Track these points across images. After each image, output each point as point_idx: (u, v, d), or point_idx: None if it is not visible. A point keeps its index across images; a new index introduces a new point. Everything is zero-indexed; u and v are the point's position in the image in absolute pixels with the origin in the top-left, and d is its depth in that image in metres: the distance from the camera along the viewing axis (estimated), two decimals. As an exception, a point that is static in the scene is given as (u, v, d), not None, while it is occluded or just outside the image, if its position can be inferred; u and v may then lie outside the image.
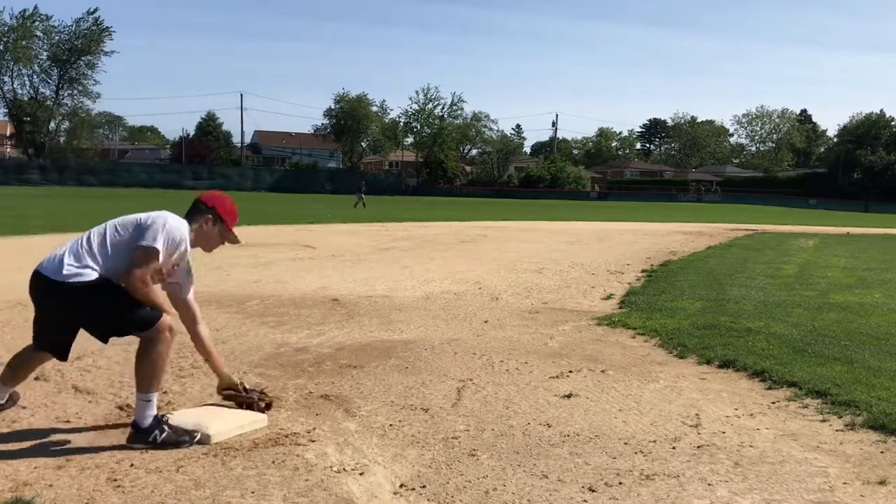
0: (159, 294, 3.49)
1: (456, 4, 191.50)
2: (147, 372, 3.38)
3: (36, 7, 64.58)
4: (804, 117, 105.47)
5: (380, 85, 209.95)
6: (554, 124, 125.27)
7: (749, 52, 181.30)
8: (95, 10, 64.25)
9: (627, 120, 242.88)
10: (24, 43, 62.36)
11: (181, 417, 3.64)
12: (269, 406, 3.86)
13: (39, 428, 3.59)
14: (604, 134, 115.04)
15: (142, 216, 3.47)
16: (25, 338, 5.45)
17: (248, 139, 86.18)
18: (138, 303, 3.33)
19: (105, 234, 3.42)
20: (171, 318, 3.47)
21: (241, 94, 76.32)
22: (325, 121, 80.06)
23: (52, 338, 3.51)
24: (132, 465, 3.15)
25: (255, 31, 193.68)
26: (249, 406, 3.79)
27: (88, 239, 3.42)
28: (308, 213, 26.40)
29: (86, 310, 3.36)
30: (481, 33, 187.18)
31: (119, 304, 3.33)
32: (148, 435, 3.34)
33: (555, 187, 71.69)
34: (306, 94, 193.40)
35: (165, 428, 3.38)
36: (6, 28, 61.96)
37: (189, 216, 3.64)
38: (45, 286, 3.34)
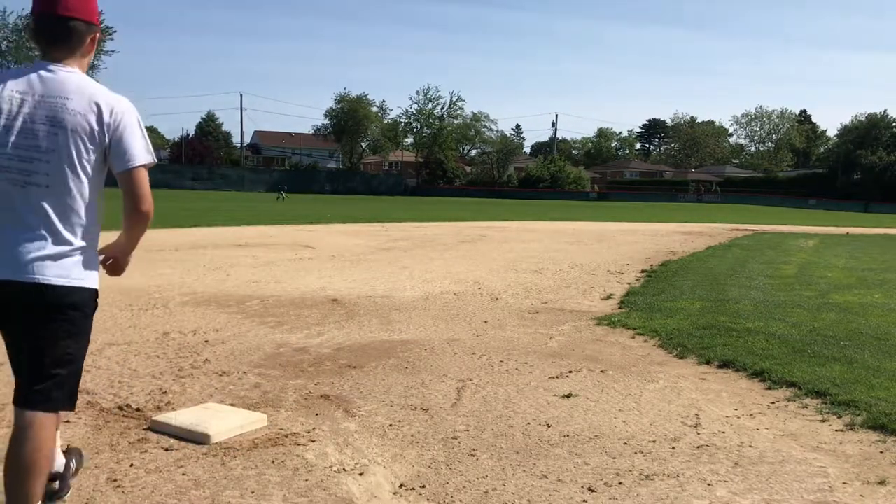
0: None
1: (456, 4, 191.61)
2: None
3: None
4: (804, 117, 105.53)
5: (380, 85, 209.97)
6: (554, 124, 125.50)
7: (749, 52, 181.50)
8: (100, 12, 64.34)
9: (627, 120, 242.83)
10: (27, 44, 62.37)
11: (181, 417, 3.65)
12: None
13: (39, 428, 3.58)
14: (603, 134, 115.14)
15: None
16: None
17: (247, 139, 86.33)
18: None
19: None
20: None
21: (241, 94, 76.44)
22: (326, 121, 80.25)
23: None
24: (132, 465, 3.15)
25: (255, 31, 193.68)
26: None
27: None
28: (308, 213, 26.40)
29: None
30: (481, 33, 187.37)
31: None
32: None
33: (554, 187, 71.74)
34: (306, 94, 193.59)
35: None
36: (10, 29, 62.06)
37: None
38: None
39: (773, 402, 4.35)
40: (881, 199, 63.13)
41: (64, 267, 2.33)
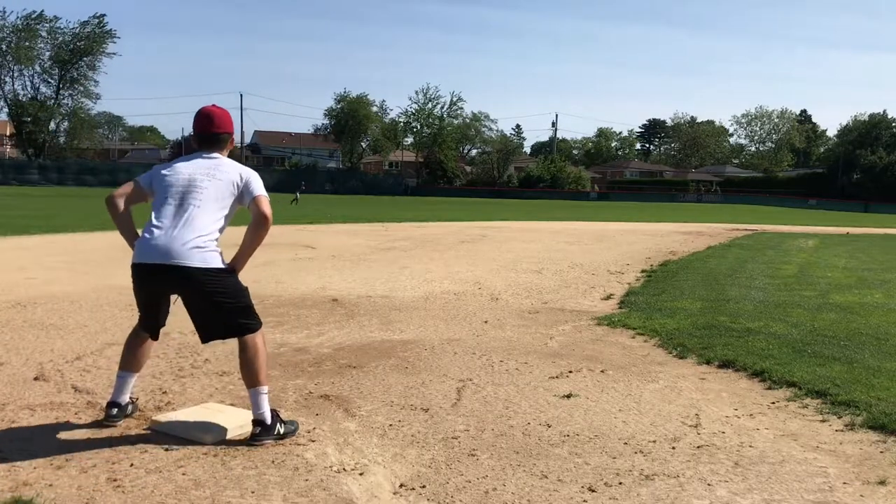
0: None
1: (456, 4, 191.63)
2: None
3: (42, 11, 64.77)
4: (804, 117, 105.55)
5: (380, 85, 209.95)
6: (554, 124, 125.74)
7: (749, 52, 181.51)
8: (103, 15, 64.52)
9: (627, 120, 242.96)
10: (26, 44, 62.43)
11: (181, 417, 3.65)
12: None
13: (39, 428, 3.58)
14: (603, 134, 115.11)
15: None
16: (26, 338, 5.47)
17: (247, 139, 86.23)
18: None
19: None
20: None
21: (241, 94, 76.41)
22: (326, 121, 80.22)
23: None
24: (132, 465, 3.15)
25: (255, 30, 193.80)
26: None
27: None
28: (308, 213, 26.40)
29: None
30: (482, 33, 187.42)
31: None
32: (272, 430, 3.49)
33: (554, 187, 71.73)
34: (306, 94, 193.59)
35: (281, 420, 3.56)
36: (10, 30, 62.06)
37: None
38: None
39: (773, 402, 4.35)
40: (881, 199, 63.12)
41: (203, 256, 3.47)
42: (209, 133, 3.65)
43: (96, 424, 3.64)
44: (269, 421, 3.47)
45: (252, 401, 3.52)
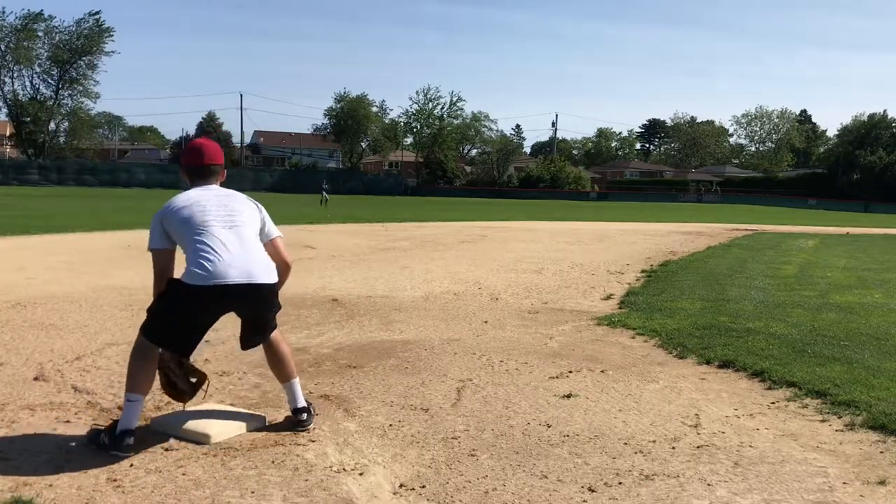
0: None
1: (456, 5, 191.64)
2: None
3: (42, 11, 64.75)
4: (804, 117, 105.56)
5: (380, 85, 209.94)
6: (554, 124, 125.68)
7: (749, 52, 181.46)
8: (98, 12, 64.52)
9: (627, 120, 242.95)
10: (25, 44, 62.40)
11: (181, 417, 3.64)
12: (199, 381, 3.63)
13: (39, 428, 3.58)
14: (603, 134, 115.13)
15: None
16: (26, 338, 5.47)
17: (247, 139, 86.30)
18: None
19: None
20: None
21: (241, 94, 76.34)
22: (325, 121, 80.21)
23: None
24: (132, 465, 3.15)
25: (255, 31, 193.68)
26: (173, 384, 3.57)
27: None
28: (307, 213, 26.40)
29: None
30: (481, 33, 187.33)
31: None
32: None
33: (555, 187, 71.70)
34: (306, 94, 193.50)
35: None
36: (9, 29, 62.04)
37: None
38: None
39: (773, 402, 4.35)
40: (881, 199, 63.12)
41: None
42: (214, 164, 3.67)
43: (96, 425, 3.63)
44: (307, 405, 3.73)
45: (294, 392, 3.70)
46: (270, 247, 3.69)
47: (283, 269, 3.74)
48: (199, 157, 3.67)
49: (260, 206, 3.73)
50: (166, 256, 3.47)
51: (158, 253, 3.47)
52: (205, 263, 3.34)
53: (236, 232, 3.48)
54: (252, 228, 3.58)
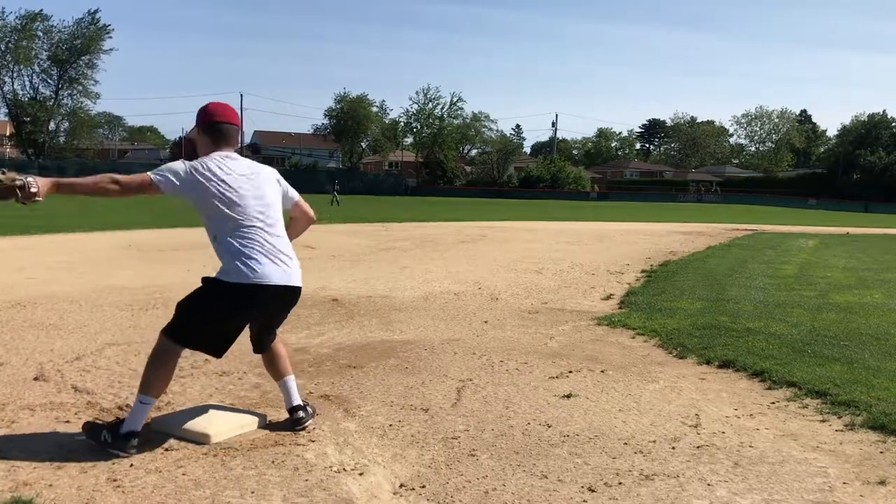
0: None
1: (456, 4, 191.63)
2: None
3: (41, 10, 64.69)
4: (804, 117, 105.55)
5: (380, 85, 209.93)
6: (554, 124, 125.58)
7: (749, 52, 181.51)
8: (97, 10, 64.57)
9: (627, 120, 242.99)
10: (24, 44, 62.38)
11: (181, 417, 3.64)
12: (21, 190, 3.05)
13: (39, 428, 3.58)
14: (603, 134, 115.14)
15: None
16: (26, 338, 5.47)
17: (247, 139, 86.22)
18: None
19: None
20: None
21: (241, 94, 76.32)
22: (325, 121, 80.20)
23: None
24: (132, 465, 3.15)
25: (255, 31, 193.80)
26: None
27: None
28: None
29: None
30: (482, 33, 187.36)
31: None
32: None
33: (554, 187, 71.70)
34: (306, 94, 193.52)
35: None
36: (8, 29, 62.03)
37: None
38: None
39: (773, 402, 4.35)
40: (881, 199, 63.13)
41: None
42: (237, 125, 3.53)
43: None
44: (303, 403, 3.74)
45: (290, 390, 3.72)
46: (297, 209, 3.76)
47: (308, 223, 3.85)
48: (231, 115, 3.51)
49: (275, 172, 3.64)
50: (152, 191, 3.20)
51: (153, 186, 3.20)
52: (249, 262, 3.29)
53: (276, 228, 3.45)
54: (280, 211, 3.53)
